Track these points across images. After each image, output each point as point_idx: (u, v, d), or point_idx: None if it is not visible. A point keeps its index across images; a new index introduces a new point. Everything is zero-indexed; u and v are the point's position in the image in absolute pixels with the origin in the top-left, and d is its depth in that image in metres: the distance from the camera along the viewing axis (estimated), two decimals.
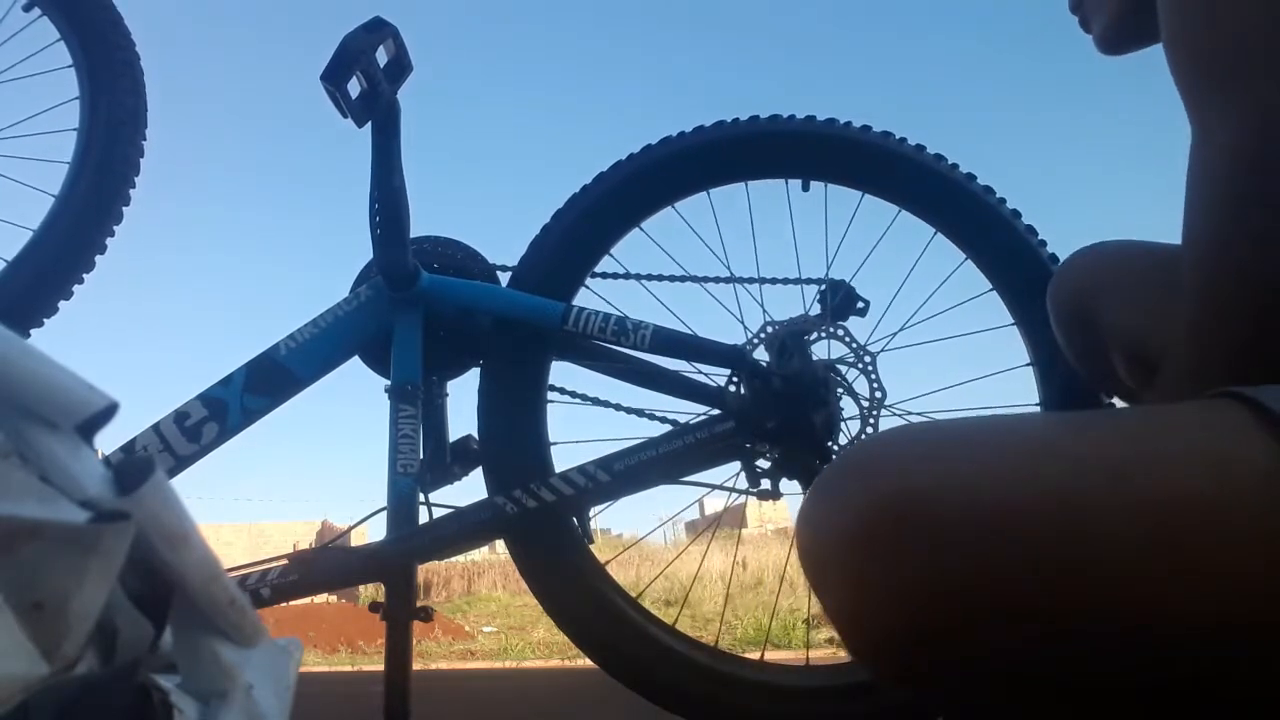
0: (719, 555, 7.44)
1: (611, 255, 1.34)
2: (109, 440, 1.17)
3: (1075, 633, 0.48)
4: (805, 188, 1.34)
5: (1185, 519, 0.48)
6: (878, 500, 0.51)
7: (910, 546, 0.49)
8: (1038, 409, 1.31)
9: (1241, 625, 0.47)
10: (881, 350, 1.28)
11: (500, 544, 1.45)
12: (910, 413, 1.29)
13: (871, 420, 1.24)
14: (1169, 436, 0.52)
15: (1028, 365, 1.32)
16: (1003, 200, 1.32)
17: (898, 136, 1.33)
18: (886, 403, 1.25)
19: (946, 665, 0.50)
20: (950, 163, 1.32)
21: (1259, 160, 0.58)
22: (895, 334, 1.30)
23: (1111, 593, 0.47)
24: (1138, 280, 0.97)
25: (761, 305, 1.30)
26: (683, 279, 1.35)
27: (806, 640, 4.99)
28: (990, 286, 1.32)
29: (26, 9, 1.47)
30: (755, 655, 1.32)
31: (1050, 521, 0.48)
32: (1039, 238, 1.30)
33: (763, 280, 1.33)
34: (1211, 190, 0.61)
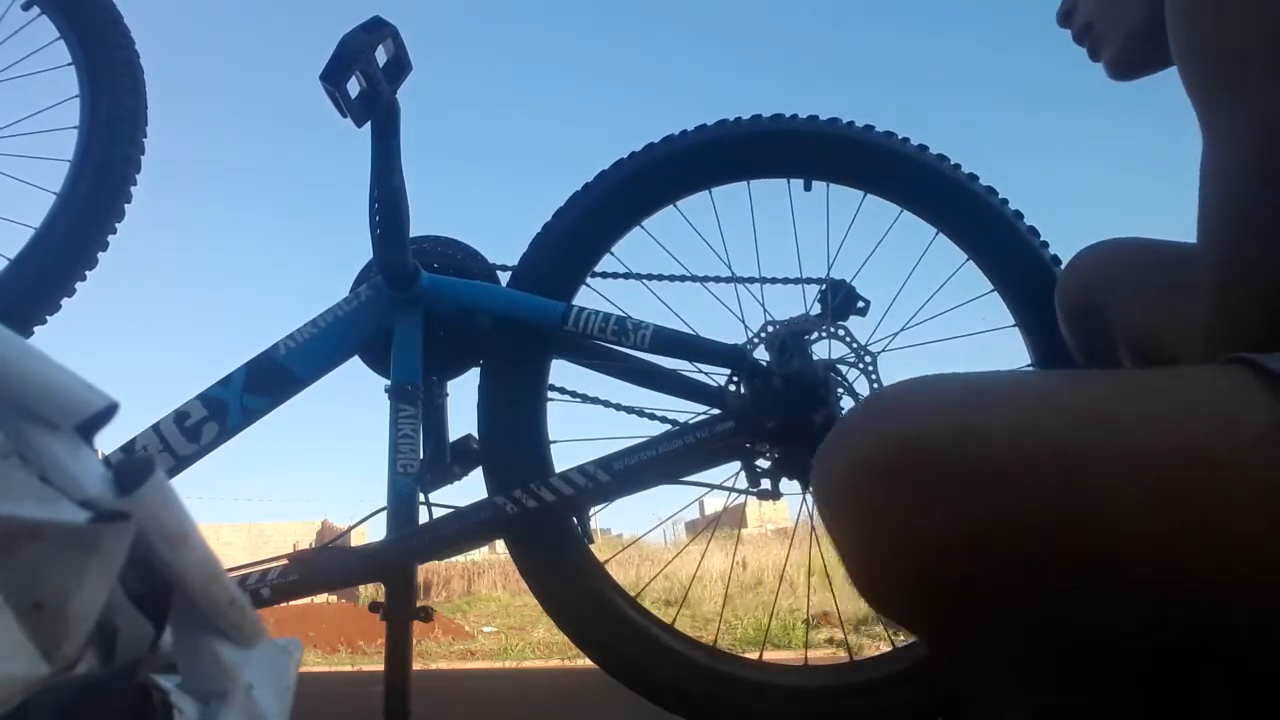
0: (719, 555, 7.44)
1: (612, 253, 1.34)
2: (109, 440, 1.17)
3: (1074, 585, 0.49)
4: (807, 187, 1.34)
5: (1187, 473, 0.48)
6: (893, 441, 0.51)
7: (922, 490, 0.50)
8: None
9: (1242, 585, 0.47)
10: (882, 351, 1.27)
11: (500, 544, 1.45)
12: (925, 375, 1.29)
13: None
14: (1174, 394, 0.52)
15: (1028, 367, 1.32)
16: (1005, 201, 1.32)
17: (900, 137, 1.33)
18: None
19: (948, 610, 0.51)
20: (953, 163, 1.32)
21: (1269, 164, 0.59)
22: (896, 334, 1.30)
23: (1112, 545, 0.48)
24: (1147, 278, 0.97)
25: (763, 305, 1.30)
26: (683, 279, 1.35)
27: (805, 640, 4.99)
28: (992, 288, 1.32)
29: (25, 8, 1.47)
30: (755, 655, 1.32)
31: (1051, 472, 0.49)
32: (1041, 239, 1.30)
33: (763, 280, 1.33)
34: (1223, 194, 0.62)
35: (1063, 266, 1.12)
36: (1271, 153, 0.59)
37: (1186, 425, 0.50)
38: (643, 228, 1.35)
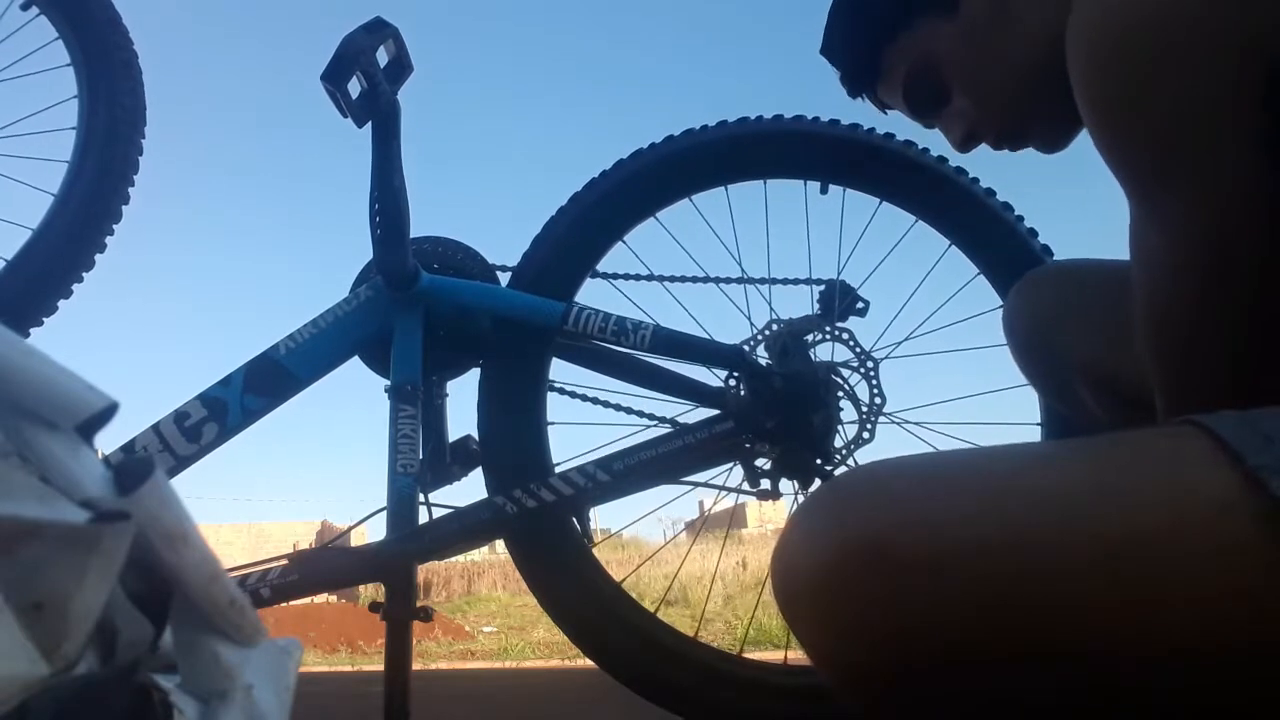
0: (717, 555, 7.44)
1: (624, 243, 1.34)
2: (109, 440, 1.18)
3: (1036, 671, 0.49)
4: (824, 190, 1.34)
5: (1142, 554, 0.48)
6: (837, 545, 0.52)
7: (874, 589, 0.50)
8: (1038, 429, 1.31)
9: (1205, 651, 0.48)
10: (886, 357, 1.28)
11: (500, 544, 1.45)
12: (909, 421, 1.29)
13: (869, 426, 1.24)
14: (1127, 469, 0.53)
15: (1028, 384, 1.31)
16: (1020, 218, 1.31)
17: (919, 146, 1.33)
18: (886, 410, 1.25)
19: (912, 704, 0.51)
20: (970, 176, 1.32)
21: (1214, 254, 0.61)
22: (901, 342, 1.30)
23: (1071, 629, 0.48)
24: (1095, 305, 0.96)
25: (770, 304, 1.30)
26: (682, 279, 1.35)
27: (786, 641, 4.98)
28: (1001, 303, 1.31)
29: (24, 7, 1.46)
30: (753, 655, 1.32)
31: (1004, 559, 0.49)
32: (1053, 258, 1.29)
33: (760, 280, 1.33)
34: (1164, 279, 0.65)
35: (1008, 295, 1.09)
36: (1216, 240, 0.61)
37: (1137, 503, 0.50)
38: (657, 219, 1.34)
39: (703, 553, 7.92)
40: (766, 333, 1.27)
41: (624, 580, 1.31)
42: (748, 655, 1.31)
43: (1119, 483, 0.52)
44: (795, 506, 1.21)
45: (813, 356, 1.25)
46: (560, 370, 1.32)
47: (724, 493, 1.30)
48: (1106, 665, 0.48)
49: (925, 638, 0.49)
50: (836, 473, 1.23)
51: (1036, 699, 0.50)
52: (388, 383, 1.21)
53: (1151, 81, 0.62)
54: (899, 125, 1.32)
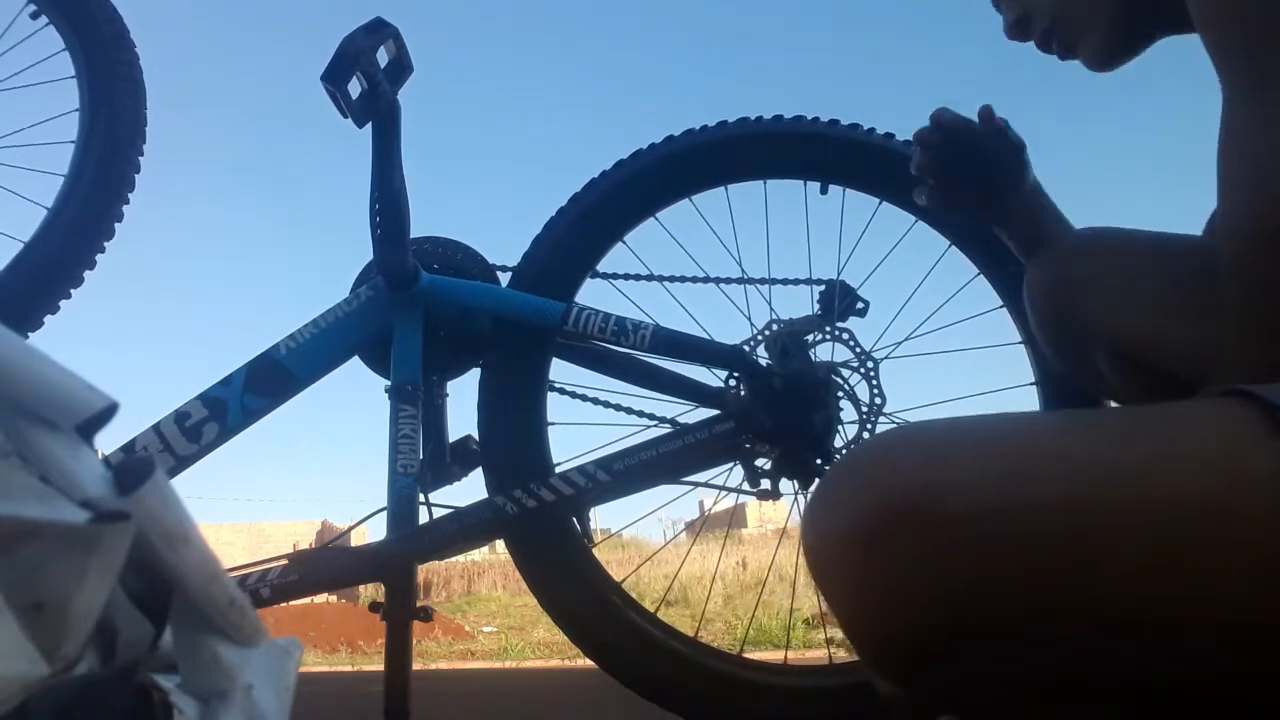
0: (716, 555, 7.45)
1: (624, 243, 1.34)
2: (109, 440, 1.18)
3: (1075, 636, 0.48)
4: (824, 191, 1.34)
5: (1192, 521, 0.47)
6: (877, 502, 0.50)
7: (908, 549, 0.49)
8: None
9: (1249, 627, 0.47)
10: (886, 357, 1.28)
11: (500, 544, 1.45)
12: (909, 422, 1.29)
13: (869, 426, 1.24)
14: (1176, 437, 0.51)
15: (1031, 384, 1.31)
16: None
17: None
18: (886, 410, 1.25)
19: (945, 668, 0.50)
20: None
21: None
22: (901, 342, 1.30)
23: (1114, 596, 0.47)
24: (1136, 278, 0.93)
25: (770, 304, 1.30)
26: (681, 279, 1.35)
27: (787, 640, 4.99)
28: (1001, 304, 1.31)
29: (34, 16, 1.46)
30: (753, 655, 1.32)
31: (1052, 524, 0.48)
32: None
33: (760, 280, 1.33)
34: (1246, 163, 0.59)
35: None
36: None
37: (1189, 470, 0.49)
38: (657, 219, 1.34)
39: (703, 553, 7.92)
40: (766, 333, 1.27)
41: (624, 580, 1.31)
42: (748, 655, 1.31)
43: (1171, 450, 0.50)
44: (808, 492, 1.19)
45: (813, 357, 1.25)
46: (560, 370, 1.32)
47: (724, 493, 1.31)
48: (1155, 634, 0.47)
49: (966, 601, 0.47)
50: None
51: (1081, 668, 0.48)
52: (388, 383, 1.21)
53: None
54: (898, 125, 1.32)
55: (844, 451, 1.23)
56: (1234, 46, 0.61)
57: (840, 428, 1.24)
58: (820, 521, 0.54)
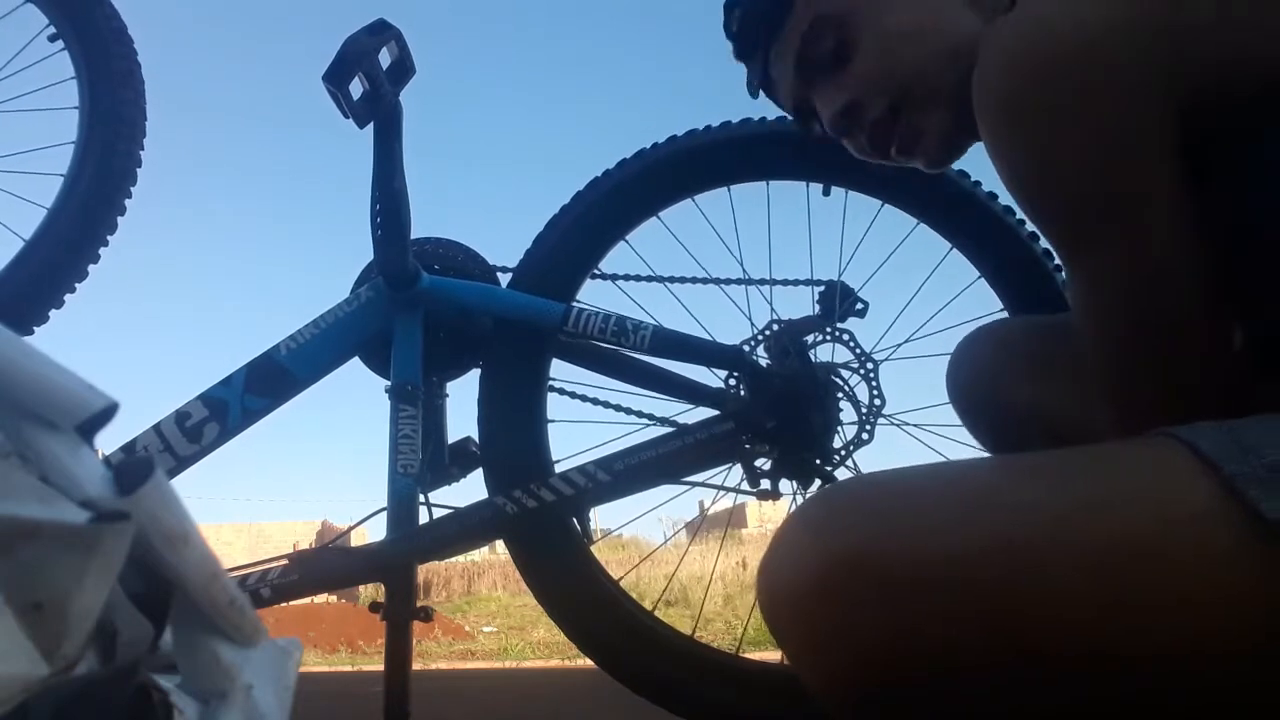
0: (717, 555, 7.45)
1: (627, 242, 1.34)
2: (109, 440, 1.18)
3: (1017, 677, 0.49)
4: (826, 192, 1.33)
5: (1125, 562, 0.49)
6: (823, 556, 0.52)
7: (858, 602, 0.50)
8: None
9: (1191, 655, 0.48)
10: (886, 359, 1.27)
11: (500, 544, 1.45)
12: (907, 424, 1.29)
13: (869, 427, 1.24)
14: (1107, 480, 0.53)
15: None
16: (1022, 222, 1.30)
17: None
18: (885, 411, 1.25)
19: (894, 712, 0.52)
20: (972, 180, 1.31)
21: (1139, 307, 0.63)
22: (901, 344, 1.30)
23: (1053, 636, 0.49)
24: (1039, 360, 0.96)
25: (771, 305, 1.30)
26: (683, 280, 1.35)
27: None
28: (1002, 307, 1.31)
29: (50, 40, 1.45)
30: (753, 655, 1.32)
31: (989, 570, 0.50)
32: (1054, 263, 1.29)
33: (761, 281, 1.33)
34: (1104, 333, 0.66)
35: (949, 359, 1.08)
36: (1138, 295, 0.62)
37: (1123, 512, 0.51)
38: (659, 219, 1.34)
39: (702, 553, 7.92)
40: (767, 333, 1.27)
41: (623, 579, 1.31)
42: (747, 655, 1.31)
43: (1102, 492, 0.52)
44: (791, 510, 1.20)
45: (813, 357, 1.26)
46: (560, 370, 1.32)
47: (724, 493, 1.31)
48: (1094, 671, 0.49)
49: (912, 647, 0.49)
50: (836, 473, 1.23)
51: (1023, 708, 0.50)
52: (388, 383, 1.21)
53: (1061, 139, 0.63)
54: None
55: (840, 455, 1.23)
56: (1043, 226, 0.69)
57: (840, 428, 1.24)
58: (772, 574, 0.56)
